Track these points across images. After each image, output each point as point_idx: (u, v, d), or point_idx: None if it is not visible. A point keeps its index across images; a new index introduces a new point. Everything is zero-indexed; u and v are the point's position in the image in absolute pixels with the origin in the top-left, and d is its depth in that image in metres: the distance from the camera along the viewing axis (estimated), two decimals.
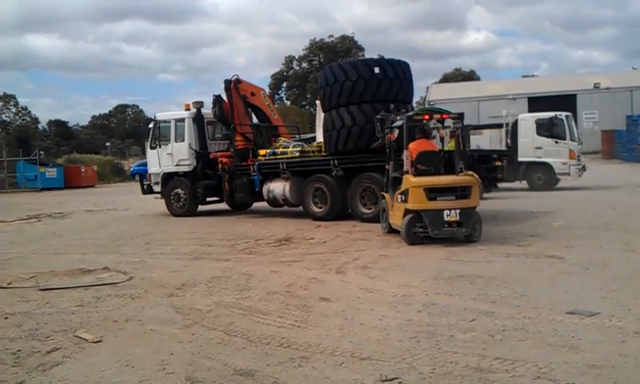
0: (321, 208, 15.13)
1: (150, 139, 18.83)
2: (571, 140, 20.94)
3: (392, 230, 11.52)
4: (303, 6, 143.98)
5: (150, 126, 19.13)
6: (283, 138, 17.85)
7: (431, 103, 45.59)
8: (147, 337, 5.96)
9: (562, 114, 21.35)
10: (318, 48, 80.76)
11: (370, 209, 14.11)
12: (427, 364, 4.79)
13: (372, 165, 13.83)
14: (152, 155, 18.71)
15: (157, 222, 16.84)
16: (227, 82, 17.58)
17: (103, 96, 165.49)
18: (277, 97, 78.81)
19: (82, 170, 45.09)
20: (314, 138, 18.80)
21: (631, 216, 13.16)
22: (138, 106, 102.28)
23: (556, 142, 20.78)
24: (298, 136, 20.20)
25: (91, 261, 10.48)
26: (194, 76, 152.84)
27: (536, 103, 44.20)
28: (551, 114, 21.56)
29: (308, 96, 76.14)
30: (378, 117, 12.45)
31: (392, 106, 13.35)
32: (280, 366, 4.93)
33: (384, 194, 12.08)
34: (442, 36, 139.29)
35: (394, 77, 14.21)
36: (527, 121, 21.77)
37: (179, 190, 18.03)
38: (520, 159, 20.98)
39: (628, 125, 38.84)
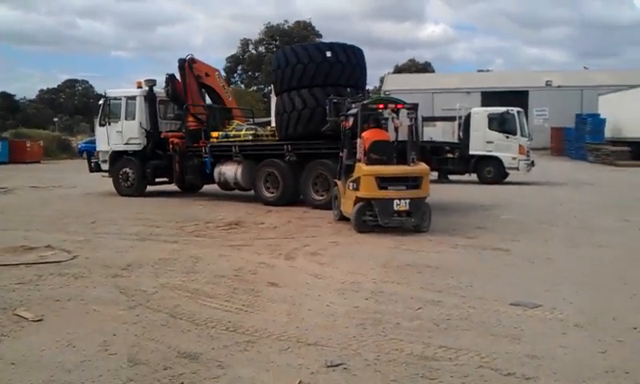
0: (272, 193, 15.05)
1: (99, 116, 18.39)
2: (522, 135, 21.28)
3: (343, 218, 11.54)
4: None
5: (101, 102, 18.66)
6: (237, 121, 17.67)
7: (386, 93, 45.76)
8: (90, 317, 5.85)
9: (514, 110, 21.70)
10: (274, 33, 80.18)
11: (322, 195, 14.11)
12: (372, 351, 4.82)
13: (326, 152, 13.82)
14: (101, 132, 18.29)
15: (103, 202, 16.48)
16: (181, 61, 17.26)
17: (53, 70, 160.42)
18: (232, 80, 77.98)
19: (28, 144, 43.69)
20: (268, 123, 18.65)
21: (576, 212, 13.48)
22: (87, 82, 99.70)
23: (507, 137, 21.09)
24: (251, 119, 20.01)
25: (34, 238, 10.21)
26: (149, 54, 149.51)
27: (489, 98, 44.87)
28: (503, 109, 21.88)
29: (263, 79, 75.59)
30: (332, 99, 12.46)
31: (348, 89, 13.39)
32: (225, 349, 4.89)
33: (336, 181, 12.09)
34: (400, 27, 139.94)
35: (347, 61, 14.24)
36: (480, 115, 22.01)
37: (128, 170, 17.67)
38: (471, 152, 21.21)
39: (577, 123, 39.66)
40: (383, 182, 10.36)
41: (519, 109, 22.24)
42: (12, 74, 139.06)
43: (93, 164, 18.80)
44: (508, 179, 21.41)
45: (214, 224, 11.96)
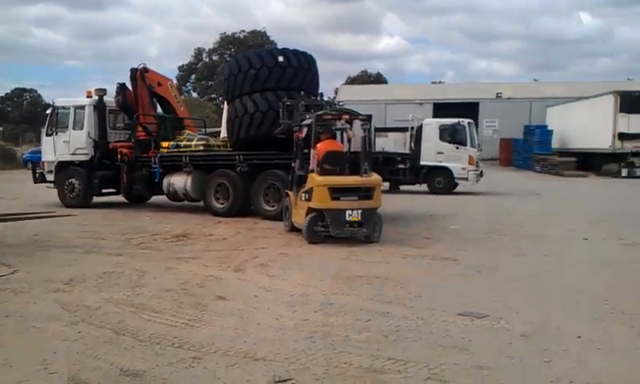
0: (222, 204, 14.86)
1: (46, 125, 17.91)
2: (471, 146, 21.58)
3: (294, 229, 11.48)
4: (221, 0, 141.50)
5: (48, 111, 18.21)
6: (188, 131, 17.45)
7: (340, 103, 45.89)
8: (29, 334, 5.64)
9: (465, 121, 21.98)
10: (228, 42, 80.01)
11: (272, 206, 14.02)
12: (321, 365, 4.77)
13: (278, 162, 13.76)
14: (47, 142, 17.81)
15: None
16: (133, 71, 16.97)
17: (1, 79, 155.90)
18: (185, 89, 77.34)
19: None
20: (218, 133, 18.48)
21: (523, 222, 13.73)
22: (36, 91, 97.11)
23: (457, 148, 21.34)
24: (203, 130, 19.80)
25: None
26: (104, 64, 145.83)
27: (441, 109, 45.38)
28: (454, 120, 22.16)
29: (217, 89, 75.22)
30: (285, 102, 12.48)
31: (302, 92, 13.42)
32: (170, 366, 4.77)
33: (288, 191, 12.02)
34: (356, 40, 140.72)
35: (299, 66, 14.27)
36: (431, 126, 22.26)
37: (74, 180, 17.21)
38: (422, 163, 21.44)
39: (525, 134, 40.57)
40: (336, 192, 10.34)
41: (470, 120, 22.53)
42: None
43: (38, 174, 18.25)
44: (457, 189, 21.70)
45: (161, 236, 11.74)
